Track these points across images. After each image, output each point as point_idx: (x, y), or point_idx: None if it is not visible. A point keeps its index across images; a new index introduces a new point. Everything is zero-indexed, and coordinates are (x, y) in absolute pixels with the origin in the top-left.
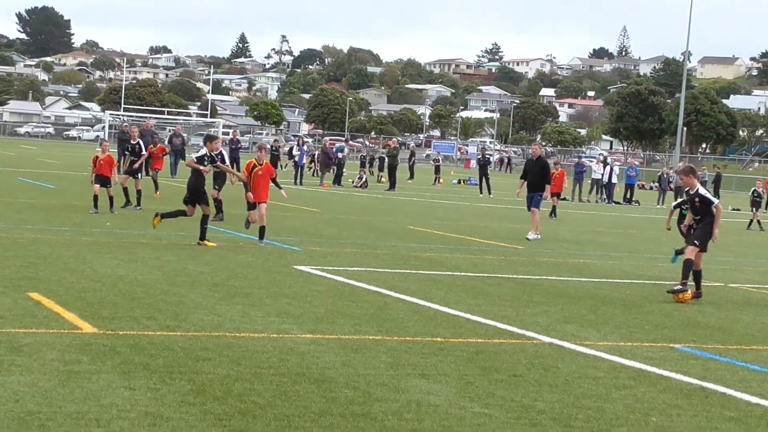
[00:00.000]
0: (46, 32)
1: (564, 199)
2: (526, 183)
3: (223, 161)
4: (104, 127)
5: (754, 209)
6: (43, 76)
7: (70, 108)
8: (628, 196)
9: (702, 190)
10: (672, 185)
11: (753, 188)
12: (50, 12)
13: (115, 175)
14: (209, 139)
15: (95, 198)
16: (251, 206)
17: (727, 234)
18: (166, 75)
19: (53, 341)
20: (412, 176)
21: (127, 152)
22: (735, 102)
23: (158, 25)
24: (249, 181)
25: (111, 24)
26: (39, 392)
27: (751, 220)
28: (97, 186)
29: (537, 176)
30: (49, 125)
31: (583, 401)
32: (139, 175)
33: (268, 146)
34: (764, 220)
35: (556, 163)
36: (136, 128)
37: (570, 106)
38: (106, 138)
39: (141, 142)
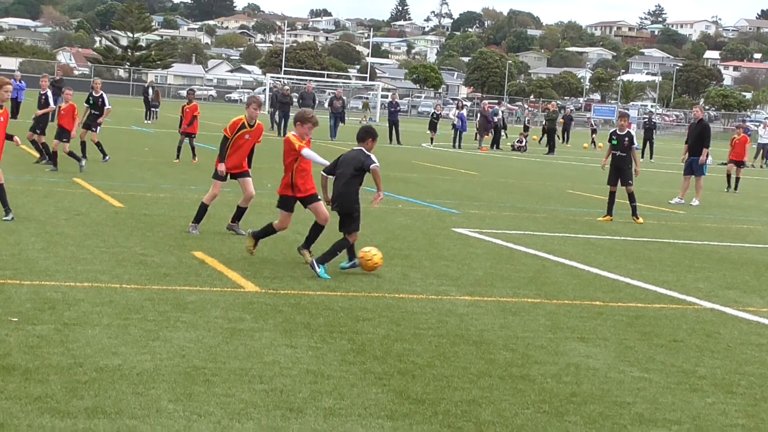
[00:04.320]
0: None
1: (724, 163)
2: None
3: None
4: (265, 89)
5: None
6: (206, 39)
7: (231, 71)
8: None
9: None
10: None
11: None
12: None
13: (75, 128)
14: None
15: (54, 154)
16: (219, 177)
17: None
18: (326, 38)
19: (217, 299)
20: (567, 140)
21: (87, 105)
22: None
23: None
24: (226, 145)
25: None
26: (204, 348)
27: None
28: (56, 141)
29: (696, 139)
30: (212, 88)
31: (745, 368)
32: (98, 128)
33: (260, 99)
34: None
35: (738, 127)
36: (99, 80)
37: (735, 68)
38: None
39: (104, 96)
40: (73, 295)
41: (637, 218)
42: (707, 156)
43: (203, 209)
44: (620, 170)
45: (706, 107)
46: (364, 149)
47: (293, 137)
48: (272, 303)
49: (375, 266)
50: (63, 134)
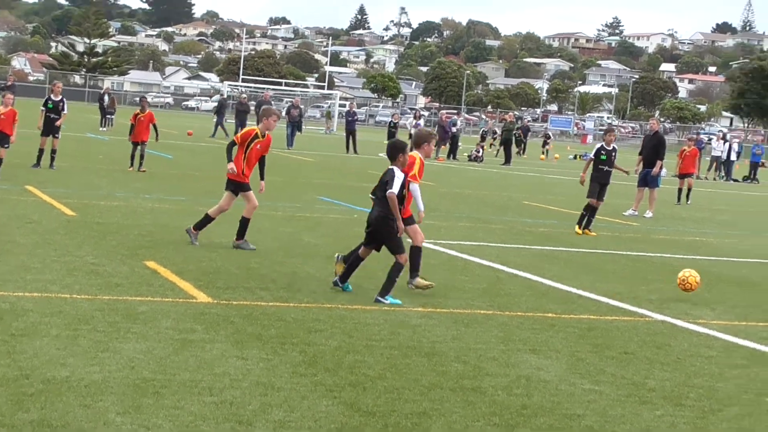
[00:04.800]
0: (167, 2)
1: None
2: (643, 160)
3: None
4: (222, 96)
5: None
6: (163, 46)
7: (189, 78)
8: (751, 174)
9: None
10: None
11: None
12: None
13: (15, 133)
14: None
15: None
16: (241, 188)
17: None
18: (285, 46)
19: (168, 310)
20: (524, 151)
21: (45, 109)
22: None
23: None
24: (234, 152)
25: None
26: (153, 360)
27: None
28: None
29: (651, 151)
30: (169, 95)
31: (694, 380)
32: (59, 134)
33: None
34: None
35: (690, 139)
36: (60, 83)
37: (690, 81)
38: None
39: (64, 100)
40: (22, 305)
41: (590, 231)
42: (661, 168)
43: (246, 224)
44: (604, 185)
45: (662, 119)
46: (395, 168)
47: (413, 157)
48: (224, 314)
49: (691, 287)
50: (3, 140)
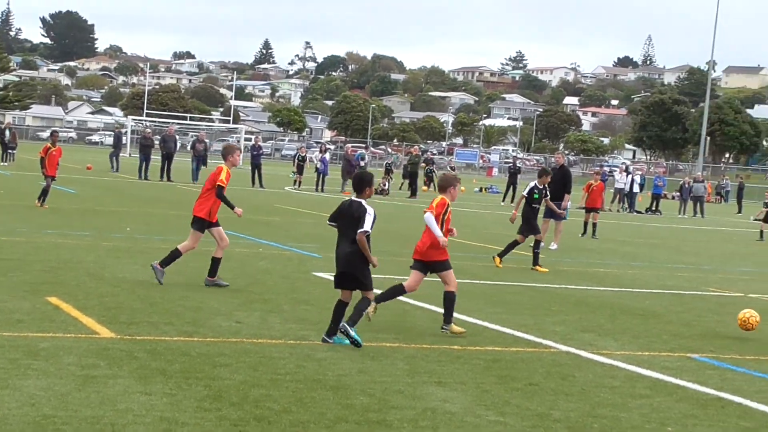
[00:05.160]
0: (69, 37)
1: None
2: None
3: None
4: (127, 132)
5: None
6: (66, 80)
7: (92, 113)
8: (653, 206)
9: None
10: (692, 194)
11: (765, 200)
12: (74, 17)
13: None
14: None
15: None
16: (201, 228)
17: (749, 244)
18: (189, 81)
19: (70, 346)
20: (430, 184)
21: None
22: (759, 112)
23: (182, 31)
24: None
25: (135, 29)
26: (55, 396)
27: (762, 231)
28: None
29: (558, 185)
30: (72, 130)
31: (599, 410)
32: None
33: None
34: None
35: (596, 173)
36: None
37: (593, 114)
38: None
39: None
40: None
41: (540, 267)
42: (568, 201)
43: (176, 255)
44: (534, 221)
45: (566, 152)
46: (363, 202)
47: (444, 200)
48: (128, 349)
49: (752, 327)
50: None
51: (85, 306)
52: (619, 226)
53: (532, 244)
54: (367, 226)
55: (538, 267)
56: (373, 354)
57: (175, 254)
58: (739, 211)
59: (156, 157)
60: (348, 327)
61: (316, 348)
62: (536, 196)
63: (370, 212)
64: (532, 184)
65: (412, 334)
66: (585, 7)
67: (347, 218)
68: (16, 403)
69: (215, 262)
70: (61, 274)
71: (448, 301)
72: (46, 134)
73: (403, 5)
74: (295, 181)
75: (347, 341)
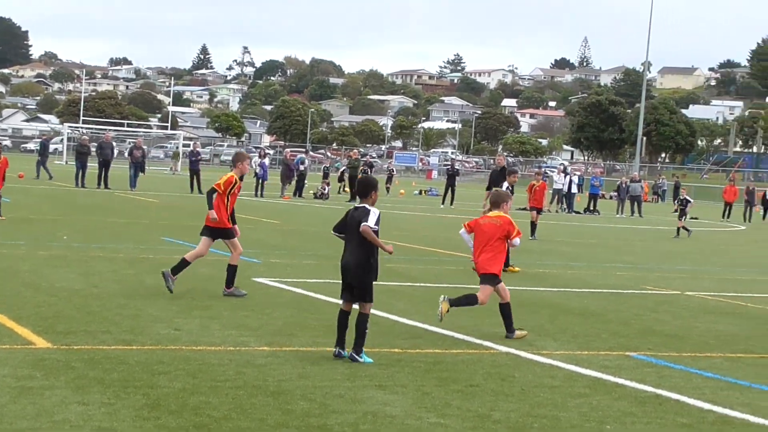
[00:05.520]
0: (3, 43)
1: (525, 209)
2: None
3: None
4: (63, 139)
5: (682, 217)
6: (0, 87)
7: (27, 120)
8: (591, 206)
9: None
10: (629, 194)
11: (679, 196)
12: (8, 23)
13: None
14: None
15: None
16: (226, 234)
17: (685, 243)
18: (127, 87)
19: (5, 357)
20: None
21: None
22: (694, 112)
23: (118, 37)
24: (224, 201)
25: (70, 35)
26: None
27: (679, 230)
28: None
29: (501, 186)
30: (6, 138)
31: (538, 410)
32: None
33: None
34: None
35: (538, 174)
36: None
37: (531, 116)
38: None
39: None
40: None
41: (513, 267)
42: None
43: (184, 264)
44: None
45: (505, 153)
46: (366, 206)
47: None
48: (64, 359)
49: None
50: None
51: (20, 316)
52: (558, 227)
53: None
54: (371, 221)
55: (510, 267)
56: (314, 359)
57: (231, 272)
58: (675, 210)
59: (93, 165)
60: (356, 356)
61: (256, 354)
62: None
63: (374, 211)
64: (504, 185)
65: (353, 338)
66: (522, 10)
67: (354, 225)
68: None
69: (232, 271)
70: None
71: (505, 310)
72: None
73: (342, 9)
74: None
75: (370, 360)
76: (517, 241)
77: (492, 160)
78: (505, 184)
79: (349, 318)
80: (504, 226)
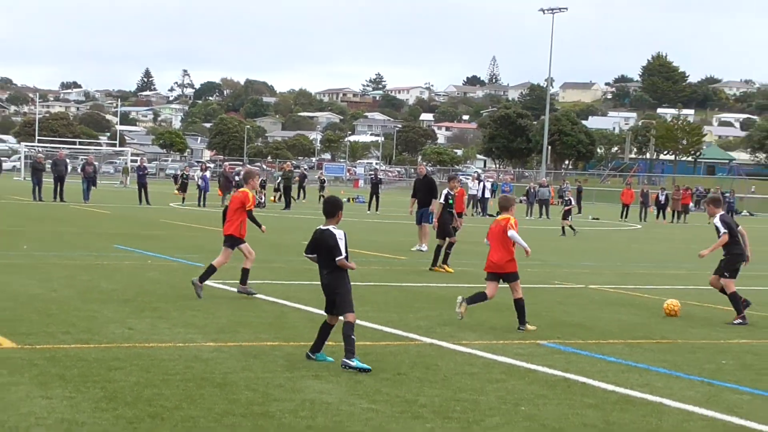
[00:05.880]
0: None
1: None
2: (416, 200)
3: None
4: (20, 157)
5: (569, 217)
6: None
7: None
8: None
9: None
10: (537, 198)
11: (564, 197)
12: None
13: None
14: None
15: None
16: (242, 242)
17: (588, 240)
18: (77, 108)
19: None
20: (304, 196)
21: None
22: (593, 123)
23: (68, 62)
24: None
25: (23, 62)
26: None
27: (563, 227)
28: None
29: (425, 193)
30: None
31: (460, 395)
32: None
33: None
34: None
35: (457, 180)
36: None
37: (447, 129)
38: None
39: None
40: None
41: (448, 267)
42: (434, 207)
43: (212, 271)
44: (448, 224)
45: (424, 162)
46: (331, 228)
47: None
48: (28, 358)
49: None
50: None
51: None
52: (474, 229)
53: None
54: (343, 251)
55: (445, 266)
56: (255, 353)
57: (210, 270)
58: (579, 212)
59: (48, 180)
60: (348, 362)
61: (203, 349)
62: (450, 201)
63: (340, 236)
64: (445, 191)
65: (291, 333)
66: (436, 32)
67: (323, 248)
68: None
69: (245, 272)
70: None
71: (520, 306)
72: None
73: (272, 34)
74: (182, 198)
75: (330, 359)
76: (511, 233)
77: (413, 170)
78: (446, 190)
79: (332, 330)
80: (501, 222)
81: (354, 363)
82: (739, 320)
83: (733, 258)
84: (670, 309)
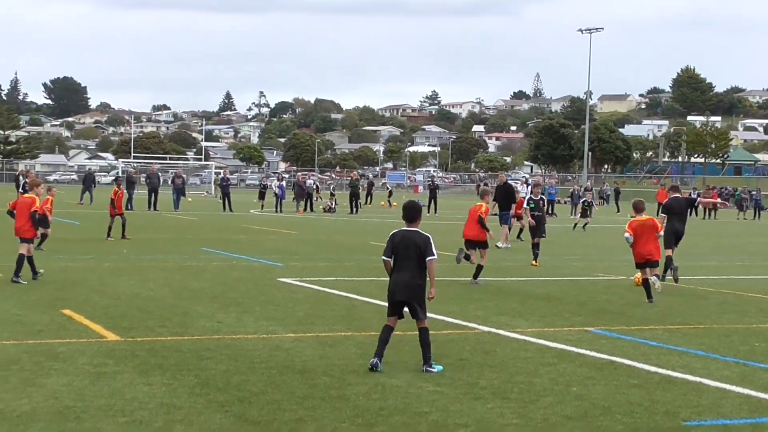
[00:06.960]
0: (67, 97)
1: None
2: (497, 204)
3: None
4: (118, 172)
5: (588, 217)
6: (66, 133)
7: (89, 158)
8: (549, 210)
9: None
10: (582, 200)
11: (583, 199)
12: (70, 81)
13: None
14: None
15: None
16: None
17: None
18: (167, 128)
19: (84, 349)
20: (370, 202)
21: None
22: (629, 130)
23: (159, 88)
24: None
25: (120, 89)
26: (74, 390)
27: (576, 224)
28: None
29: (504, 198)
30: (73, 173)
31: (516, 377)
32: None
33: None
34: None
35: (538, 186)
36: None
37: (497, 139)
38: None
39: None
40: None
41: (537, 263)
42: (514, 210)
43: None
44: (539, 225)
45: (477, 170)
46: (419, 230)
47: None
48: (130, 349)
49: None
50: None
51: (93, 316)
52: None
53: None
54: (435, 252)
55: (535, 262)
56: (331, 342)
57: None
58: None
59: (143, 191)
60: (429, 368)
61: (284, 340)
62: (532, 205)
63: (431, 238)
64: (528, 196)
65: (361, 324)
66: (485, 52)
67: (410, 248)
68: (42, 397)
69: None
70: (71, 291)
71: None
72: (52, 177)
73: (338, 58)
74: (261, 205)
75: (441, 367)
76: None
77: (467, 176)
78: (529, 195)
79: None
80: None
81: (435, 369)
82: None
83: None
84: (638, 280)
